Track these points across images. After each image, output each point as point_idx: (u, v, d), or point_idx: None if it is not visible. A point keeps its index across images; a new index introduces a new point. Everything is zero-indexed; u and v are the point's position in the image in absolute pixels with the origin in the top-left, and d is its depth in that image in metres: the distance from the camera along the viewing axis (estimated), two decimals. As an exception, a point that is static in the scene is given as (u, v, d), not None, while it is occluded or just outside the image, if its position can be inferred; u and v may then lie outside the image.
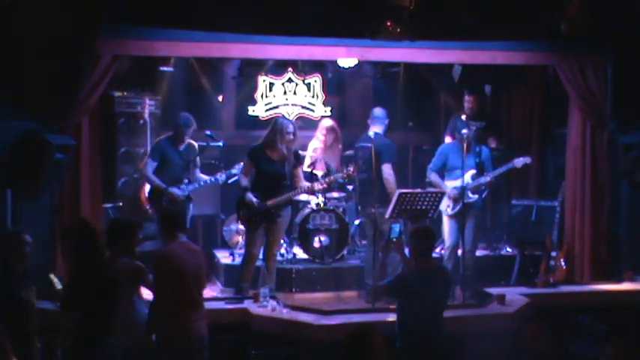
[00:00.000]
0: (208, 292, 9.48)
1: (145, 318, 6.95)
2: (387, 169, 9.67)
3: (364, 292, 9.61)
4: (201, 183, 9.77)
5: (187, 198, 9.61)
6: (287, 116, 11.99)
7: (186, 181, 9.60)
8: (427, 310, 6.96)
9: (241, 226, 10.72)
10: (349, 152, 10.98)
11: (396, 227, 7.51)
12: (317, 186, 9.52)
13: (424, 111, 13.09)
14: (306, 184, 9.45)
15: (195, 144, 9.84)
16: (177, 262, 6.85)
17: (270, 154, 9.27)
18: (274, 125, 9.38)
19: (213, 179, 9.79)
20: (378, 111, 10.11)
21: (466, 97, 11.26)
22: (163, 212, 7.53)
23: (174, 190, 9.47)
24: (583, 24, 9.80)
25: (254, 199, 9.18)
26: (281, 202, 9.23)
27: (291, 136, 9.28)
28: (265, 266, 9.29)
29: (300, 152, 9.71)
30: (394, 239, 7.40)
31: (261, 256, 9.45)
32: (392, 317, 7.28)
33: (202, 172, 10.00)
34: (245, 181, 9.36)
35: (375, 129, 9.93)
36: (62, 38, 8.56)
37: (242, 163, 9.61)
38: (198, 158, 9.86)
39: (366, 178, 9.75)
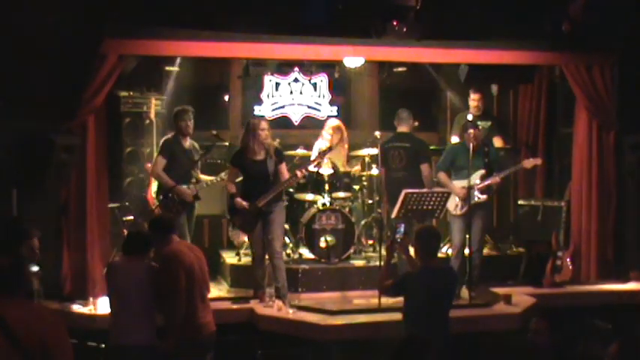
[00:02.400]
0: (214, 291, 9.51)
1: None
2: (427, 169, 10.02)
3: None
4: (208, 182, 9.77)
5: (196, 197, 9.62)
6: (292, 116, 12.00)
7: (194, 180, 9.61)
8: (433, 310, 6.94)
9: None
10: (364, 151, 10.98)
11: (401, 227, 7.50)
12: (299, 174, 9.45)
13: (430, 110, 13.09)
14: (287, 177, 9.40)
15: (196, 144, 9.85)
16: (186, 258, 6.90)
17: (251, 156, 9.24)
18: (247, 127, 9.35)
19: (218, 179, 9.79)
20: (403, 112, 10.37)
21: (471, 96, 11.25)
22: (154, 221, 7.46)
23: (184, 188, 9.47)
24: (586, 24, 9.81)
25: (244, 203, 9.16)
26: (270, 198, 9.17)
27: (265, 132, 9.25)
28: (272, 265, 9.24)
29: (303, 151, 9.73)
30: (399, 239, 7.38)
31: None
32: (399, 316, 7.26)
33: (204, 173, 10.00)
34: (233, 188, 9.34)
35: (403, 129, 10.23)
36: (68, 38, 8.58)
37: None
38: (199, 159, 9.85)
39: (401, 178, 9.97)
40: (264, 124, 9.31)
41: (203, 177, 9.82)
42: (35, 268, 6.86)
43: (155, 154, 10.18)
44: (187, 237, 9.33)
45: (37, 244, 6.80)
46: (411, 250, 7.32)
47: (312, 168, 9.98)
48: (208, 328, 7.10)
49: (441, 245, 9.65)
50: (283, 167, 9.40)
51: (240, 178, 9.51)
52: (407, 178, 9.98)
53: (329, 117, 11.77)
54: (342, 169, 10.78)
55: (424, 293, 6.92)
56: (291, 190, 10.54)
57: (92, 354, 7.82)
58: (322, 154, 9.73)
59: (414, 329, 7.00)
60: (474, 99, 11.23)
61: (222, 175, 9.83)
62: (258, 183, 9.22)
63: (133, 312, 6.85)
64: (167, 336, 6.92)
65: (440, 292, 7.04)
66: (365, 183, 11.09)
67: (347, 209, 10.54)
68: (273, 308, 8.90)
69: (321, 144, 11.01)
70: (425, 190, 9.51)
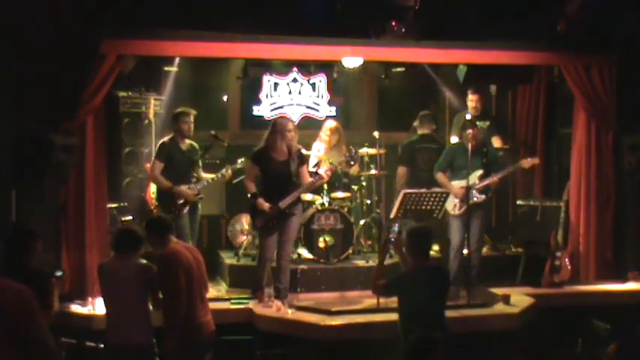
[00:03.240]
0: (212, 292, 9.50)
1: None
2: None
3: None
4: (209, 180, 9.77)
5: (196, 196, 9.62)
6: (291, 116, 11.98)
7: (193, 180, 9.61)
8: (426, 309, 6.96)
9: (246, 227, 10.76)
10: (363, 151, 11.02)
11: (395, 227, 7.51)
12: (324, 174, 9.50)
13: (429, 111, 13.08)
14: (311, 179, 9.43)
15: (196, 144, 9.86)
16: (184, 259, 6.91)
17: (274, 156, 9.21)
18: (274, 126, 9.28)
19: (220, 176, 9.80)
20: (426, 114, 10.85)
21: (470, 96, 11.27)
22: (151, 222, 7.45)
23: (183, 188, 9.48)
24: (583, 24, 9.81)
25: (266, 204, 9.12)
26: (293, 200, 9.19)
27: (291, 134, 9.27)
28: (278, 266, 9.23)
29: (304, 151, 9.75)
30: (392, 239, 7.40)
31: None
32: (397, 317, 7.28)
33: (205, 172, 10.00)
34: (253, 187, 9.27)
35: (425, 131, 10.69)
36: (67, 38, 8.57)
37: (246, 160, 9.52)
38: (199, 158, 9.85)
39: (427, 177, 10.29)
40: (291, 125, 9.32)
41: (205, 175, 9.83)
42: (59, 273, 6.91)
43: (154, 155, 10.19)
44: (189, 238, 9.31)
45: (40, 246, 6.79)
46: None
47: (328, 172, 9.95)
48: (207, 328, 7.11)
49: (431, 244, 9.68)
50: (305, 170, 9.42)
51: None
52: (431, 177, 10.22)
53: (327, 118, 11.77)
54: (340, 170, 10.79)
55: (417, 293, 6.94)
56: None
57: (91, 354, 7.81)
58: (352, 157, 9.88)
59: (410, 329, 7.02)
60: (471, 100, 11.24)
61: (223, 171, 9.83)
62: (280, 184, 9.20)
63: (125, 311, 6.89)
64: (167, 336, 6.93)
65: (433, 291, 7.07)
66: (364, 183, 11.10)
67: (346, 209, 10.55)
68: (272, 308, 8.90)
69: (319, 145, 11.02)
70: (424, 190, 9.53)
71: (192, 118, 9.66)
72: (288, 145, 9.23)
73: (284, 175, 9.21)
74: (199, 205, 9.77)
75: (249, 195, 9.27)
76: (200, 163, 9.87)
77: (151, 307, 7.11)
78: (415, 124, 10.89)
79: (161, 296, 6.96)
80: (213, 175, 9.85)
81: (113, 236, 7.36)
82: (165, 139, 9.75)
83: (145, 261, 7.08)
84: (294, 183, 9.25)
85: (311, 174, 9.81)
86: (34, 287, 6.47)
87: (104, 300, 7.14)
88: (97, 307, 8.62)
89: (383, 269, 7.46)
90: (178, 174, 9.50)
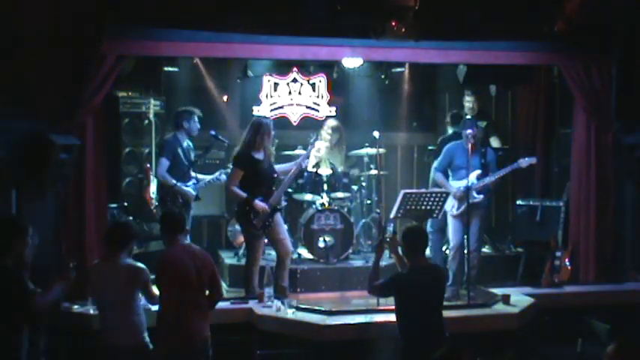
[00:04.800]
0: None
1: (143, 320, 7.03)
2: None
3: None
4: (207, 182, 9.77)
5: (196, 197, 9.63)
6: (291, 116, 11.97)
7: (194, 179, 9.61)
8: (424, 308, 6.99)
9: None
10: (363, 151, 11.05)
11: (389, 226, 7.52)
12: (307, 159, 9.70)
13: (428, 111, 13.10)
14: (283, 166, 9.68)
15: (191, 144, 9.87)
16: (180, 265, 6.89)
17: (257, 156, 9.22)
18: (259, 127, 9.26)
19: (215, 179, 9.80)
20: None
21: (466, 97, 11.30)
22: (165, 215, 7.53)
23: (188, 189, 9.48)
24: (583, 23, 9.81)
25: (265, 205, 9.11)
26: (280, 196, 9.34)
27: (273, 133, 9.38)
28: (284, 265, 9.31)
29: (302, 151, 9.84)
30: (388, 239, 7.41)
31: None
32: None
33: (200, 172, 10.00)
34: (242, 192, 9.13)
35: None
36: (67, 38, 8.57)
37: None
38: (196, 159, 9.85)
39: None
40: (272, 126, 9.38)
41: (200, 176, 9.82)
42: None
43: (154, 155, 10.19)
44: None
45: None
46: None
47: (306, 163, 9.97)
48: (200, 333, 7.05)
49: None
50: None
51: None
52: None
53: (328, 117, 11.77)
54: (340, 170, 10.80)
55: (414, 292, 6.98)
56: (290, 190, 10.53)
57: (91, 354, 7.80)
58: (312, 144, 9.99)
59: (407, 329, 7.04)
60: (468, 101, 11.29)
61: (218, 174, 9.82)
62: (265, 183, 9.26)
63: (115, 313, 6.91)
64: (157, 339, 6.96)
65: (429, 290, 7.10)
66: (364, 183, 11.11)
67: (346, 209, 10.56)
68: (272, 308, 8.90)
69: (319, 144, 11.01)
70: (423, 190, 9.53)
71: (196, 119, 9.71)
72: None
73: (268, 174, 9.29)
74: (193, 206, 9.77)
75: (246, 199, 9.12)
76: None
77: (148, 305, 7.17)
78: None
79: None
80: (210, 177, 9.84)
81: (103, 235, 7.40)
82: (168, 136, 9.76)
83: (132, 261, 7.08)
84: (275, 179, 9.36)
85: (311, 179, 9.96)
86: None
87: (95, 301, 7.19)
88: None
89: (379, 269, 7.48)
90: (181, 172, 9.50)
